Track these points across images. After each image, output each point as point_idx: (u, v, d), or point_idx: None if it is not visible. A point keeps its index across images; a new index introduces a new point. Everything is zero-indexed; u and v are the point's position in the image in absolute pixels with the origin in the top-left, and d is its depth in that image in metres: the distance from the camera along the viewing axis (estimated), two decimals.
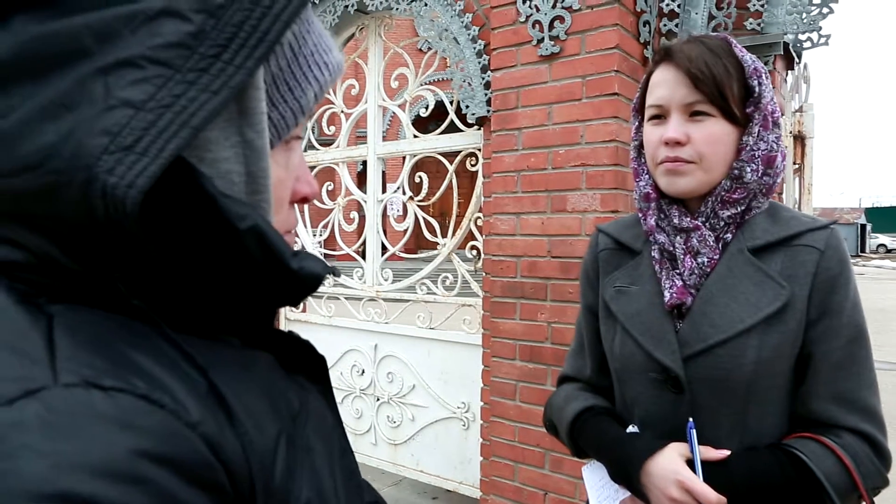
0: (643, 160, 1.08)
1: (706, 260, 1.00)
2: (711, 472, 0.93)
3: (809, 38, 2.65)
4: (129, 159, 0.36)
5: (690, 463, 0.95)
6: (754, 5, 2.55)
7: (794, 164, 2.81)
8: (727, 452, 0.95)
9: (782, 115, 2.66)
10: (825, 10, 2.57)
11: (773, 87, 2.58)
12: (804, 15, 2.54)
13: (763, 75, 0.98)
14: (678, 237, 1.02)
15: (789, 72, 2.83)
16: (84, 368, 0.36)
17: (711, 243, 1.00)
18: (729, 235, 1.01)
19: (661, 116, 1.01)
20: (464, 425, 3.13)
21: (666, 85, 0.99)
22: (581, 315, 1.23)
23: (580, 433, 1.12)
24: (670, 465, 0.94)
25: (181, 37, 0.38)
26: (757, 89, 0.97)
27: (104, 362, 0.37)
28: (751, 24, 2.56)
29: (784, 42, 2.55)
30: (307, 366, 0.56)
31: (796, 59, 2.78)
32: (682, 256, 1.02)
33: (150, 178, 0.36)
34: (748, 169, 0.97)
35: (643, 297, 1.06)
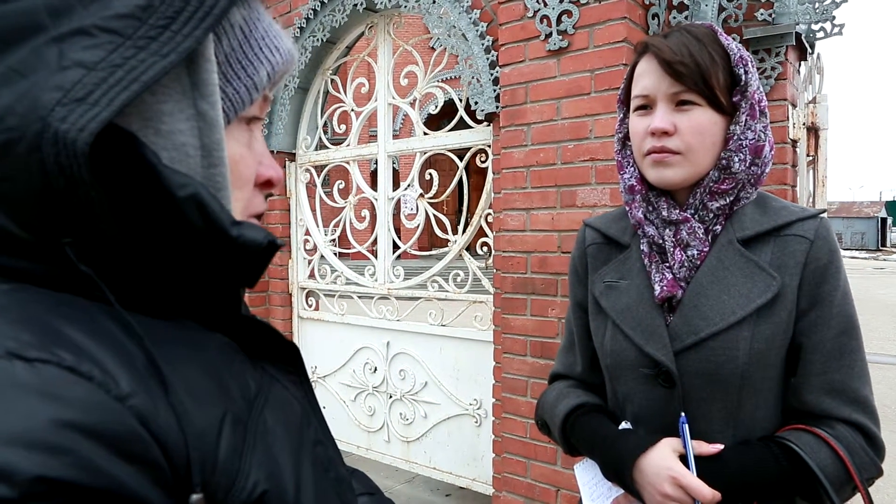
0: (628, 152, 1.07)
1: (696, 252, 0.99)
2: (705, 467, 0.92)
3: (823, 28, 2.62)
4: (81, 109, 0.38)
5: (684, 458, 0.94)
6: None
7: (808, 155, 2.76)
8: (720, 447, 0.94)
9: (794, 106, 2.63)
10: (838, 0, 2.53)
11: (786, 78, 2.56)
12: (816, 4, 2.50)
13: (749, 63, 0.97)
14: (667, 230, 1.01)
15: (802, 63, 2.79)
16: (9, 341, 0.37)
17: (701, 235, 0.99)
18: (718, 227, 1.00)
19: (647, 107, 0.99)
20: (476, 422, 3.13)
21: (651, 75, 0.98)
22: (570, 311, 1.21)
23: (572, 431, 1.11)
24: (663, 460, 0.93)
25: (131, 9, 0.41)
26: (743, 77, 0.96)
27: (32, 336, 0.38)
28: (762, 14, 2.53)
29: (796, 32, 2.51)
30: (275, 354, 0.56)
31: (809, 50, 2.74)
32: (671, 249, 1.00)
33: (100, 122, 0.38)
34: (736, 159, 0.96)
35: (633, 291, 1.05)
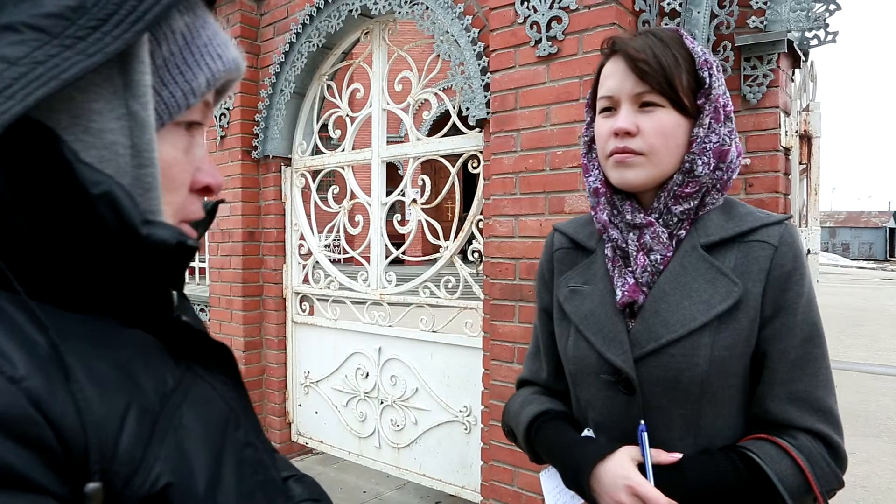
0: (594, 155, 1.06)
1: (659, 257, 0.98)
2: (663, 476, 0.91)
3: (816, 36, 2.60)
4: None
5: (642, 467, 0.92)
6: (757, 3, 2.51)
7: (801, 163, 2.74)
8: (679, 456, 0.92)
9: (788, 114, 2.61)
10: (832, 7, 2.51)
11: (778, 86, 2.54)
12: (808, 12, 2.49)
13: (714, 67, 0.96)
14: (631, 234, 1.00)
15: (797, 70, 2.77)
16: None
17: (665, 240, 0.98)
18: (683, 232, 0.99)
19: (611, 108, 0.99)
20: (465, 429, 3.11)
21: (615, 76, 0.97)
22: (537, 317, 1.20)
23: (535, 438, 1.09)
24: (620, 469, 0.92)
25: (61, 9, 0.43)
26: (707, 80, 0.95)
27: None
28: (753, 21, 2.52)
29: (788, 40, 2.50)
30: (204, 355, 0.56)
31: (803, 58, 2.72)
32: (634, 254, 0.99)
33: (12, 116, 0.39)
34: (699, 162, 0.95)
35: (596, 296, 1.03)
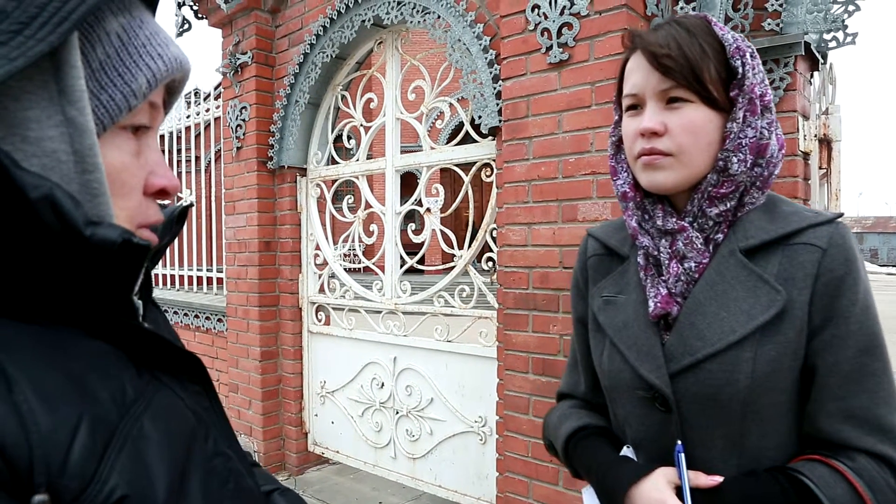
0: (622, 156, 0.99)
1: (694, 265, 0.91)
2: (702, 500, 0.84)
3: (835, 38, 2.55)
4: None
5: (680, 490, 0.86)
6: (772, 5, 2.46)
7: (820, 168, 2.68)
8: (719, 479, 0.85)
9: (806, 118, 2.55)
10: (851, 8, 2.46)
11: (795, 89, 2.49)
12: (826, 13, 2.44)
13: (748, 55, 0.88)
14: (663, 240, 0.93)
15: (815, 73, 2.71)
16: None
17: (699, 246, 0.91)
18: (720, 236, 0.91)
19: (637, 107, 0.92)
20: (481, 440, 3.08)
21: (639, 71, 0.90)
22: (573, 328, 1.15)
23: (573, 455, 1.04)
24: (655, 492, 0.86)
25: None
26: (740, 69, 0.87)
27: None
28: (769, 24, 2.47)
29: (805, 42, 2.45)
30: (172, 364, 0.56)
31: (821, 60, 2.66)
32: (666, 262, 0.92)
33: None
34: (734, 159, 0.87)
35: (629, 307, 0.97)
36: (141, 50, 0.51)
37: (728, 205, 0.90)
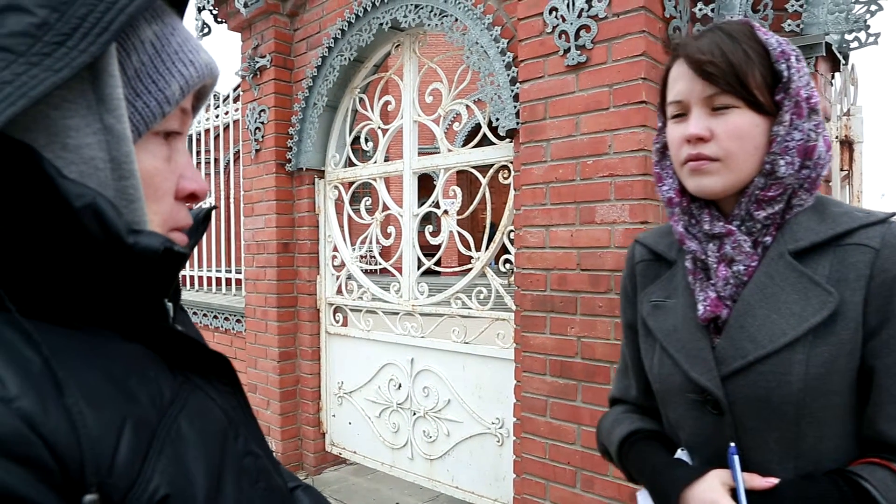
0: (668, 162, 1.01)
1: (742, 268, 0.91)
2: (757, 502, 0.83)
3: (857, 38, 2.52)
4: None
5: (734, 492, 0.86)
6: (793, 6, 2.45)
7: (842, 170, 2.66)
8: (775, 481, 0.85)
9: (828, 119, 2.53)
10: (873, 8, 2.44)
11: (816, 91, 2.47)
12: (848, 14, 2.42)
13: (793, 58, 0.89)
14: (710, 244, 0.94)
15: (836, 74, 2.69)
16: None
17: (747, 249, 0.91)
18: (768, 238, 0.91)
19: (682, 114, 0.93)
20: (498, 441, 3.08)
21: (683, 79, 0.92)
22: (622, 333, 1.16)
23: (626, 459, 1.05)
24: (710, 494, 0.86)
25: (25, 27, 0.42)
26: (785, 73, 0.87)
27: None
28: (789, 25, 2.46)
29: (826, 43, 2.43)
30: (202, 365, 0.57)
31: (842, 61, 2.64)
32: (714, 266, 0.93)
33: None
34: (782, 162, 0.88)
35: (678, 311, 0.98)
36: (174, 57, 0.52)
37: (776, 208, 0.91)
